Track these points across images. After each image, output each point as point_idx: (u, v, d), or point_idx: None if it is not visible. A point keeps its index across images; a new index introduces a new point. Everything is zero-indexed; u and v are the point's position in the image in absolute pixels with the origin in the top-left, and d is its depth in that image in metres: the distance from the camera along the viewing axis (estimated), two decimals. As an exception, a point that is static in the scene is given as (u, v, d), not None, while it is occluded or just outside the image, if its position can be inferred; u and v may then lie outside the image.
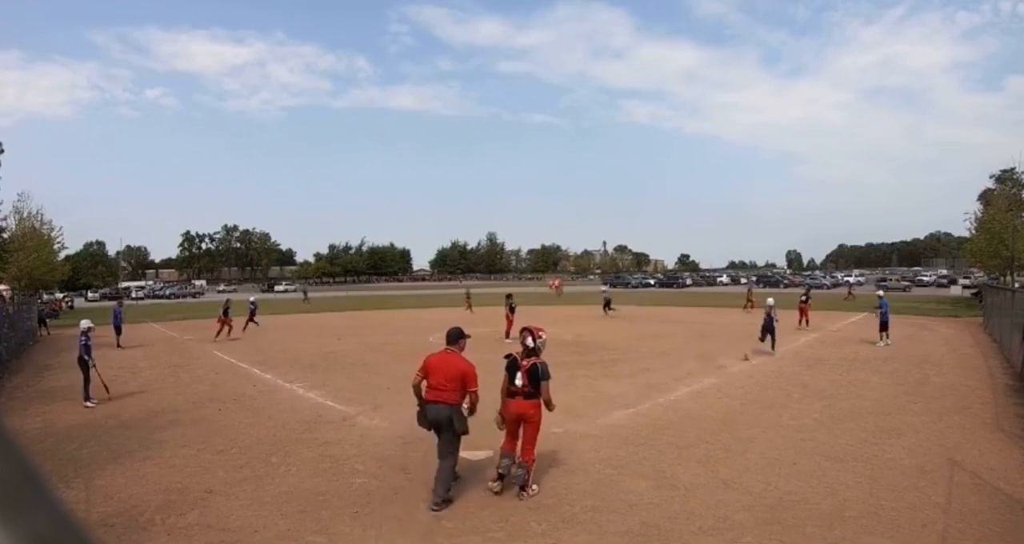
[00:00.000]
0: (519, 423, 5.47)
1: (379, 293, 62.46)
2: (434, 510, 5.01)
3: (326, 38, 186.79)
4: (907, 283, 54.93)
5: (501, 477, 5.44)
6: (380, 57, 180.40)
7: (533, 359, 5.46)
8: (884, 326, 15.11)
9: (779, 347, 14.13)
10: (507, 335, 16.97)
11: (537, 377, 5.36)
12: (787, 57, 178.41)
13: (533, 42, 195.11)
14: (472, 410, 5.33)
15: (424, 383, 5.34)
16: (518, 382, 5.44)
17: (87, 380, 9.80)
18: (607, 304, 26.65)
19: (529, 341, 5.51)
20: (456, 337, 5.48)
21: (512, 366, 5.53)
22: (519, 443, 5.49)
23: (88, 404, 9.53)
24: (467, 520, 4.88)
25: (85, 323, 10.46)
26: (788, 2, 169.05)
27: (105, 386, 10.00)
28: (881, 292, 16.82)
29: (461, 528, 4.73)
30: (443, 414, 5.19)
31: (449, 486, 5.23)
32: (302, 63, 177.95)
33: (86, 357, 9.94)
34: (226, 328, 19.01)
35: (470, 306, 27.42)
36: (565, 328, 19.67)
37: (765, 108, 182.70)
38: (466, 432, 5.29)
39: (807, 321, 19.39)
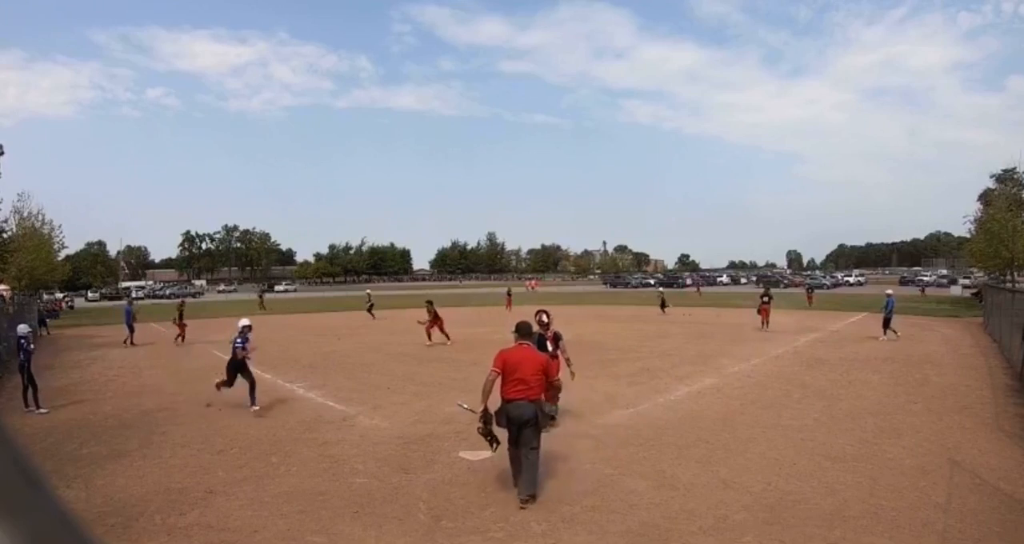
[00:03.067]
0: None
1: (379, 293, 62.39)
2: (524, 506, 5.00)
3: (329, 38, 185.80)
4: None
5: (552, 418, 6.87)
6: (382, 57, 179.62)
7: (553, 330, 7.57)
8: (887, 323, 15.99)
9: (777, 348, 14.80)
10: (429, 337, 16.26)
11: (558, 340, 7.53)
12: (789, 57, 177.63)
13: (535, 42, 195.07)
14: (557, 398, 5.67)
15: (499, 380, 5.22)
16: (549, 348, 7.37)
17: (33, 387, 9.20)
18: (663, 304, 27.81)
19: (545, 318, 7.59)
20: (529, 331, 5.61)
21: (541, 340, 7.19)
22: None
23: (40, 411, 9.01)
24: (467, 520, 4.88)
25: (23, 328, 9.92)
26: (790, 2, 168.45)
27: (35, 398, 9.26)
28: (890, 290, 17.54)
29: (461, 528, 4.73)
30: (529, 410, 5.13)
31: (536, 479, 5.21)
32: (304, 63, 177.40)
33: (26, 362, 9.26)
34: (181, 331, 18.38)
35: (510, 305, 29.02)
36: (565, 328, 19.63)
37: (766, 108, 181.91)
38: (546, 423, 5.47)
39: (767, 322, 18.67)
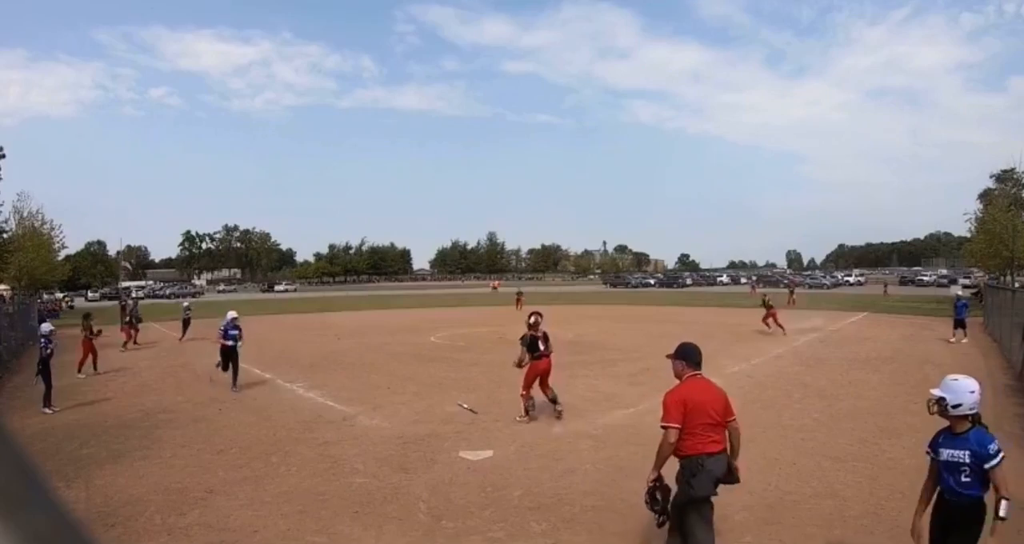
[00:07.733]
0: (542, 375, 7.90)
1: (379, 293, 62.50)
2: None
3: (332, 38, 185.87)
4: None
5: (527, 412, 7.82)
6: (386, 57, 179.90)
7: (543, 330, 8.10)
8: (962, 324, 15.94)
9: (777, 348, 14.97)
10: None
11: (547, 339, 8.05)
12: (791, 58, 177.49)
13: (539, 42, 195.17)
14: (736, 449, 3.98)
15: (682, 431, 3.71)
16: (542, 347, 7.88)
17: (49, 386, 9.28)
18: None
19: (538, 319, 8.14)
20: (696, 356, 4.09)
21: (532, 340, 7.86)
22: (539, 387, 7.95)
23: (46, 411, 9.02)
24: (467, 520, 4.88)
25: (46, 327, 10.03)
26: (793, 3, 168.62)
27: (47, 397, 9.27)
28: (961, 291, 18.25)
29: (461, 528, 4.73)
30: (724, 466, 3.81)
31: None
32: (307, 63, 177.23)
33: (44, 362, 9.37)
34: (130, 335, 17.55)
35: (520, 305, 29.20)
36: (565, 328, 19.64)
37: (768, 108, 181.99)
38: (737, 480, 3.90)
39: (780, 326, 18.32)
